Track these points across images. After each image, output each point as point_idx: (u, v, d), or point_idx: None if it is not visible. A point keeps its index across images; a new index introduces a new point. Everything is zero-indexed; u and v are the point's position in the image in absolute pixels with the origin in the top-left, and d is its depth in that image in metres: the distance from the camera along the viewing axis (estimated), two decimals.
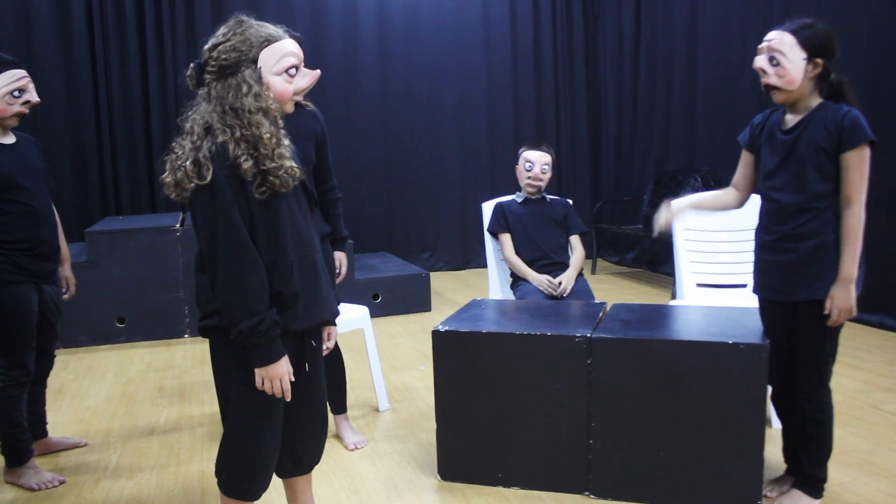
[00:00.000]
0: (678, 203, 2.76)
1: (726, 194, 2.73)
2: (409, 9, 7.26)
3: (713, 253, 3.69)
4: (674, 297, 4.14)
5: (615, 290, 6.29)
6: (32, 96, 2.87)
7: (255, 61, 1.92)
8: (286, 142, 2.01)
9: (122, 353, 4.89)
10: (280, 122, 2.01)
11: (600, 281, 6.75)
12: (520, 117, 7.71)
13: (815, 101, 2.38)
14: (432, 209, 7.52)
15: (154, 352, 4.90)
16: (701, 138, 6.49)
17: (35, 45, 6.20)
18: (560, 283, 3.57)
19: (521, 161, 3.80)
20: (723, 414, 2.52)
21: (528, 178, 3.76)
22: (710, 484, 2.56)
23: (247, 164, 1.88)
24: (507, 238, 3.78)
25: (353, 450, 3.23)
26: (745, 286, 3.49)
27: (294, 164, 1.98)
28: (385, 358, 4.54)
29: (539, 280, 3.61)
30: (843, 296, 2.34)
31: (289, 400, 2.01)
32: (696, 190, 5.91)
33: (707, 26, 6.30)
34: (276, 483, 2.29)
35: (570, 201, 3.97)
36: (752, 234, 2.62)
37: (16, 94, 2.80)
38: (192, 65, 1.96)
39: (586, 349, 2.65)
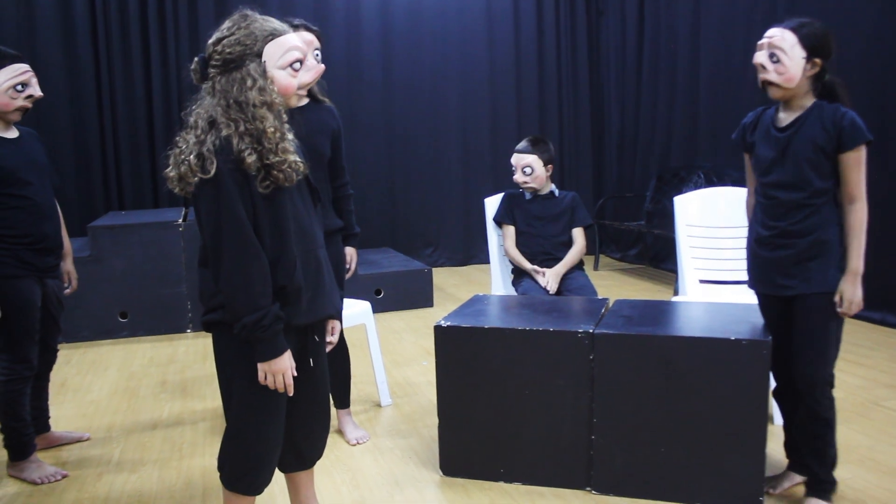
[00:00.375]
0: None
1: (753, 202, 2.64)
2: (412, 4, 7.25)
3: (716, 249, 3.69)
4: (676, 293, 4.14)
5: (618, 287, 6.29)
6: (35, 91, 2.87)
7: (259, 55, 1.92)
8: (290, 136, 2.01)
9: (125, 347, 4.90)
10: (284, 116, 2.01)
11: (603, 277, 6.74)
12: (522, 113, 7.70)
13: (810, 100, 2.40)
14: (435, 205, 7.52)
15: (156, 347, 4.91)
16: (704, 135, 6.48)
17: (38, 40, 6.19)
18: (544, 275, 3.58)
19: None
20: (725, 410, 2.52)
21: (515, 181, 3.77)
22: (711, 480, 2.56)
23: (251, 159, 1.88)
24: (510, 230, 3.79)
25: (354, 445, 3.24)
26: (747, 282, 3.48)
27: (298, 159, 1.98)
28: (387, 353, 4.54)
29: (530, 269, 3.64)
30: (852, 289, 2.35)
31: (291, 395, 2.02)
32: (698, 186, 5.90)
33: (710, 22, 6.29)
34: (278, 478, 2.29)
35: (576, 193, 3.94)
36: None
37: (19, 88, 2.81)
38: (196, 59, 1.96)
39: (589, 345, 2.65)
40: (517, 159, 3.74)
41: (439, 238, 7.59)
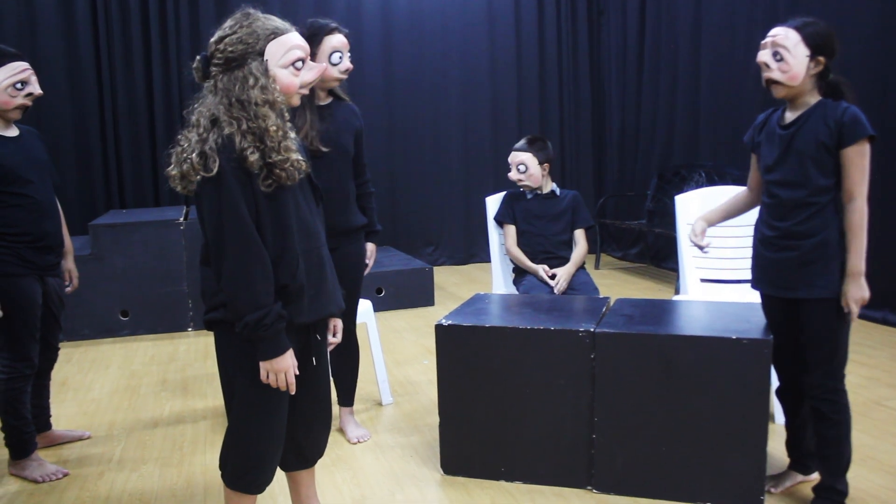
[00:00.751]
0: (699, 223, 2.73)
1: (742, 197, 2.71)
2: (413, 3, 7.24)
3: (717, 248, 3.68)
4: (677, 292, 4.14)
5: (619, 286, 6.29)
6: (35, 88, 2.87)
7: (261, 54, 1.92)
8: (292, 135, 2.01)
9: (126, 346, 4.90)
10: (286, 114, 2.01)
11: (604, 276, 6.74)
12: (523, 112, 7.70)
13: (815, 98, 2.39)
14: (436, 204, 7.52)
15: (157, 345, 4.91)
16: (705, 133, 6.48)
17: (39, 39, 6.20)
18: (555, 277, 3.58)
19: None
20: (726, 409, 2.51)
21: (510, 178, 3.79)
22: (712, 479, 2.56)
23: (253, 157, 1.87)
24: (511, 229, 3.79)
25: (355, 443, 3.24)
26: (748, 281, 3.47)
27: (300, 157, 1.98)
28: (388, 352, 4.54)
29: (535, 269, 3.63)
30: (856, 290, 2.33)
31: (293, 393, 2.01)
32: (699, 185, 5.90)
33: (712, 21, 6.29)
34: (279, 476, 2.29)
35: (577, 193, 3.94)
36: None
37: (18, 86, 2.80)
38: (198, 57, 1.96)
39: (589, 344, 2.65)
40: (512, 157, 3.77)
41: (440, 237, 7.58)
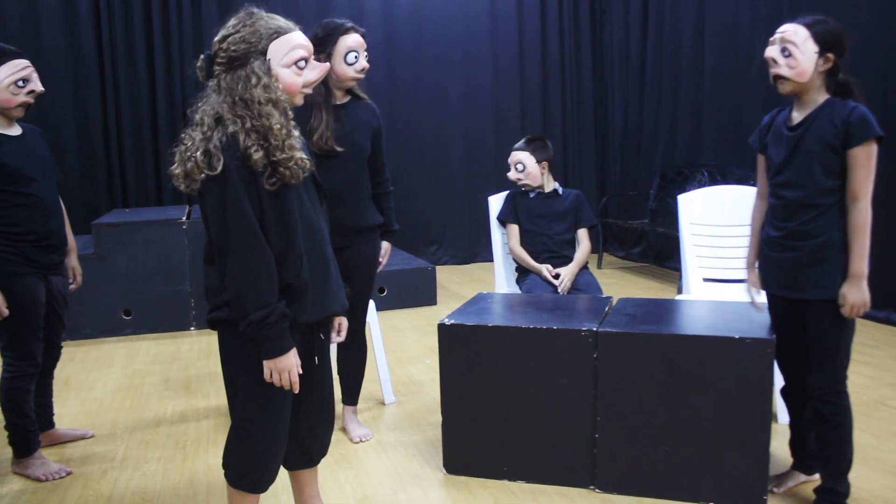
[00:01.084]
0: (752, 290, 2.67)
1: (761, 212, 2.61)
2: (415, 2, 7.24)
3: (720, 248, 3.68)
4: (680, 291, 4.13)
5: (621, 285, 6.29)
6: (37, 86, 2.86)
7: (264, 53, 1.92)
8: (296, 133, 2.01)
9: (129, 345, 4.91)
10: (290, 113, 2.01)
11: (606, 275, 6.73)
12: (526, 111, 7.69)
13: (822, 96, 2.36)
14: (438, 203, 7.51)
15: (160, 344, 4.91)
16: (707, 133, 6.47)
17: (42, 37, 6.20)
18: (559, 277, 3.58)
19: None
20: (729, 409, 2.51)
21: (509, 177, 3.81)
22: (715, 479, 2.56)
23: (257, 155, 1.87)
24: (514, 229, 3.79)
25: (358, 442, 3.24)
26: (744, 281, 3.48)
27: (304, 156, 1.98)
28: (391, 351, 4.54)
29: (538, 269, 3.63)
30: (855, 293, 2.31)
31: (297, 392, 2.01)
32: (702, 185, 5.89)
33: (714, 20, 6.28)
34: (282, 475, 2.29)
35: (580, 192, 3.94)
36: None
37: (20, 83, 2.80)
38: (202, 56, 1.96)
39: (592, 343, 2.65)
40: (511, 157, 3.81)
41: (443, 236, 7.58)
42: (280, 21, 1.97)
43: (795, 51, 2.30)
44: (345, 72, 2.92)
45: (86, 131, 6.41)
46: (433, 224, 7.54)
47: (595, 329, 2.66)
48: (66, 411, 3.69)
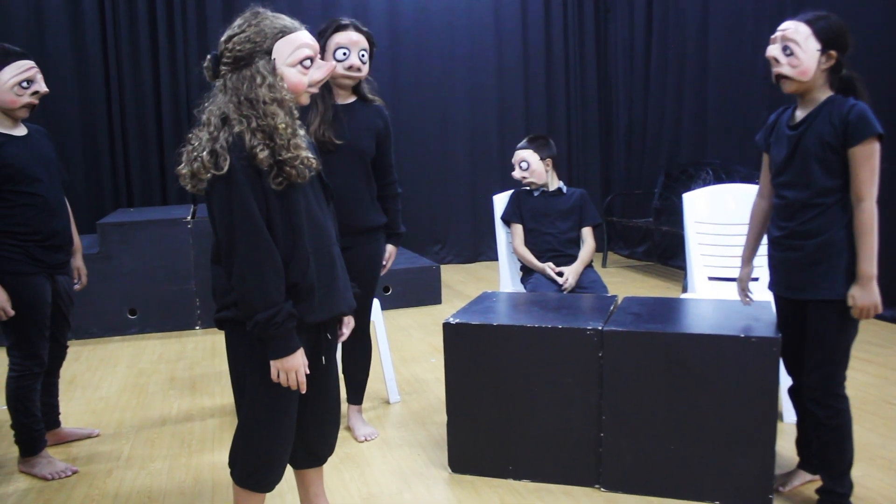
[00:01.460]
0: (739, 286, 2.71)
1: (760, 212, 2.63)
2: (419, 1, 7.24)
3: (724, 246, 3.67)
4: (685, 290, 4.13)
5: (626, 284, 6.28)
6: (41, 86, 2.87)
7: (269, 52, 1.92)
8: (302, 132, 2.01)
9: (134, 344, 4.92)
10: (296, 112, 2.01)
11: (611, 274, 6.73)
12: (530, 110, 7.69)
13: (825, 94, 2.34)
14: (443, 202, 7.52)
15: (165, 343, 4.92)
16: (712, 131, 6.46)
17: (47, 38, 6.22)
18: (563, 275, 3.58)
19: None
20: (734, 407, 2.51)
21: (513, 177, 3.82)
22: (721, 478, 2.55)
23: (263, 155, 1.88)
24: (518, 229, 3.79)
25: (363, 441, 3.24)
26: (756, 280, 3.47)
27: (310, 155, 1.98)
28: (396, 350, 4.55)
29: (542, 268, 3.64)
30: (865, 294, 2.28)
31: (304, 392, 2.02)
32: (706, 183, 5.89)
33: (719, 19, 6.27)
34: (287, 474, 2.30)
35: (584, 191, 3.94)
36: None
37: (24, 84, 2.81)
38: (208, 56, 1.96)
39: (597, 342, 2.65)
40: (515, 156, 3.82)
41: (447, 235, 7.58)
42: (285, 20, 1.97)
43: (797, 49, 2.27)
44: (336, 69, 2.91)
45: (91, 131, 6.43)
46: (438, 223, 7.54)
47: (600, 328, 2.65)
48: (72, 410, 3.70)
